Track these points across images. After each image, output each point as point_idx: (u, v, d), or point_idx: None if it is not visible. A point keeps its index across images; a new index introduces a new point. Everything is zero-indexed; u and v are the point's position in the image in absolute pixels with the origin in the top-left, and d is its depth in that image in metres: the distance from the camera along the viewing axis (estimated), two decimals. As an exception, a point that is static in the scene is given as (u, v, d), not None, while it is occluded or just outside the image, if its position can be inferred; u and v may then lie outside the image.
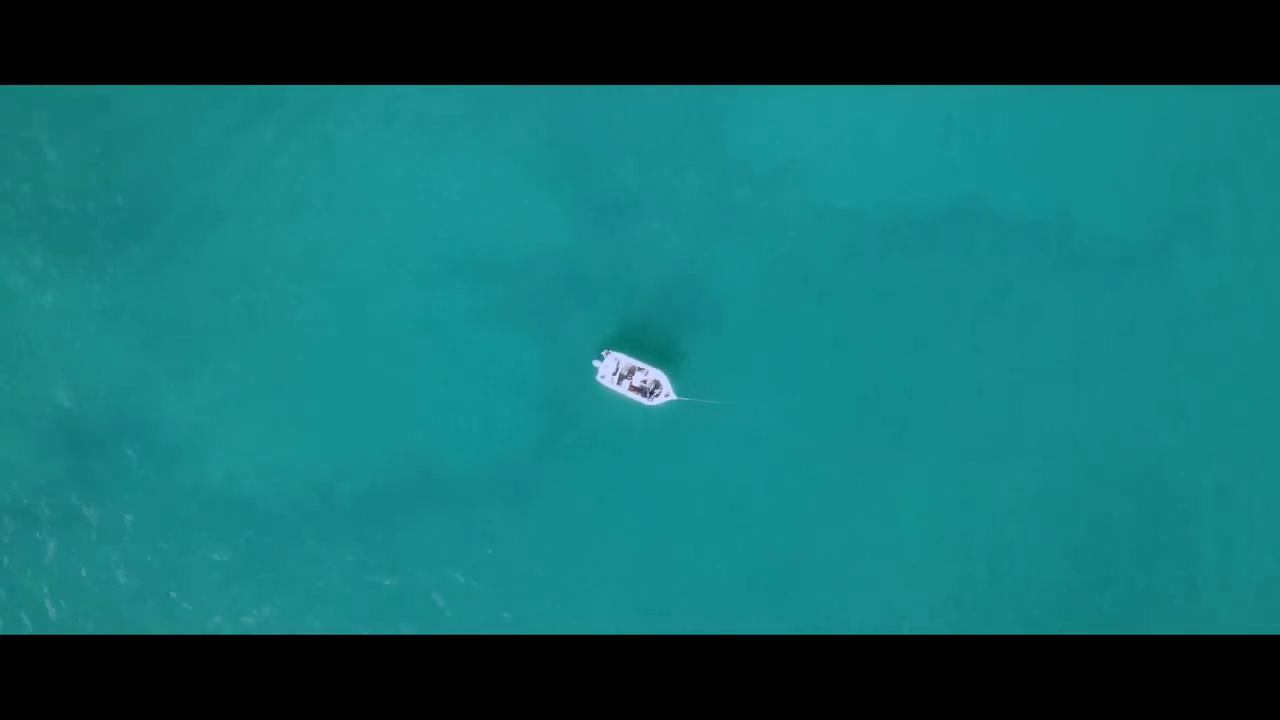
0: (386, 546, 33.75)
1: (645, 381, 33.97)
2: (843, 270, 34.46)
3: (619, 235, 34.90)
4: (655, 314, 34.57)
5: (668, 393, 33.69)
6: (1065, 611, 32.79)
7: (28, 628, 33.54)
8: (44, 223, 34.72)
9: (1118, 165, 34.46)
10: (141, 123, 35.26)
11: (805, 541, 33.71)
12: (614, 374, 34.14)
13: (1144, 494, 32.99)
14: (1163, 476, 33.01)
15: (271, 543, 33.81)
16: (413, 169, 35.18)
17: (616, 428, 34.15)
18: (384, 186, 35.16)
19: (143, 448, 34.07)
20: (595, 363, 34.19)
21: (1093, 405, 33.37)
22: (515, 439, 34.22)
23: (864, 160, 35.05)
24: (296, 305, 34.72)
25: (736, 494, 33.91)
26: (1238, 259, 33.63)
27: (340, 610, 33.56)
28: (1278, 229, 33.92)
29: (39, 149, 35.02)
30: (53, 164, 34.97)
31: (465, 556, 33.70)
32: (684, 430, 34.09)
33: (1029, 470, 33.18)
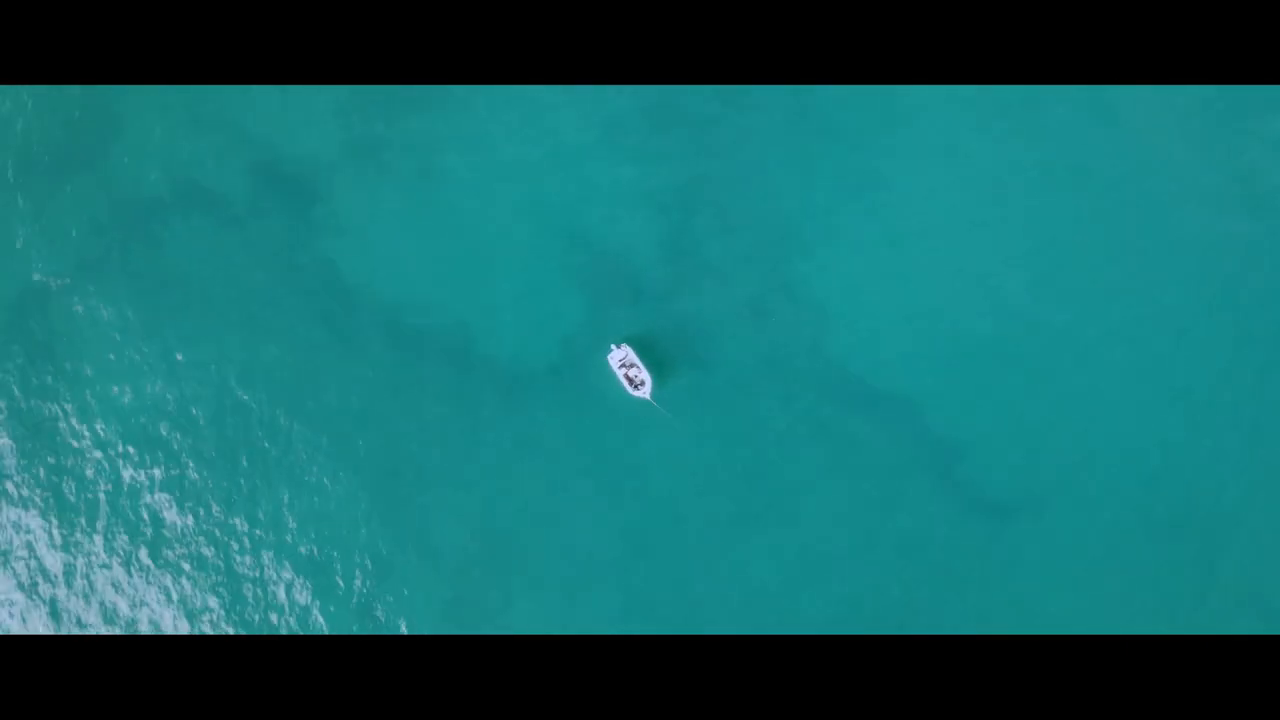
0: (408, 367, 42.98)
1: (636, 377, 42.17)
2: (813, 396, 42.05)
3: (685, 273, 43.81)
4: (672, 337, 42.99)
5: (646, 393, 41.80)
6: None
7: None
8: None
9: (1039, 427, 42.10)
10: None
11: (689, 544, 40.58)
12: (620, 361, 42.42)
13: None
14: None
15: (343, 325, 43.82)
16: (568, 157, 45.86)
17: (600, 395, 42.33)
18: (544, 163, 45.79)
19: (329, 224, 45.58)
20: (613, 345, 42.56)
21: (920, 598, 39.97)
22: (532, 360, 42.88)
23: (882, 346, 42.96)
24: (464, 198, 45.79)
25: (654, 486, 41.23)
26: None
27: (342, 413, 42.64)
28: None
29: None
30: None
31: (451, 426, 42.51)
32: (643, 424, 41.93)
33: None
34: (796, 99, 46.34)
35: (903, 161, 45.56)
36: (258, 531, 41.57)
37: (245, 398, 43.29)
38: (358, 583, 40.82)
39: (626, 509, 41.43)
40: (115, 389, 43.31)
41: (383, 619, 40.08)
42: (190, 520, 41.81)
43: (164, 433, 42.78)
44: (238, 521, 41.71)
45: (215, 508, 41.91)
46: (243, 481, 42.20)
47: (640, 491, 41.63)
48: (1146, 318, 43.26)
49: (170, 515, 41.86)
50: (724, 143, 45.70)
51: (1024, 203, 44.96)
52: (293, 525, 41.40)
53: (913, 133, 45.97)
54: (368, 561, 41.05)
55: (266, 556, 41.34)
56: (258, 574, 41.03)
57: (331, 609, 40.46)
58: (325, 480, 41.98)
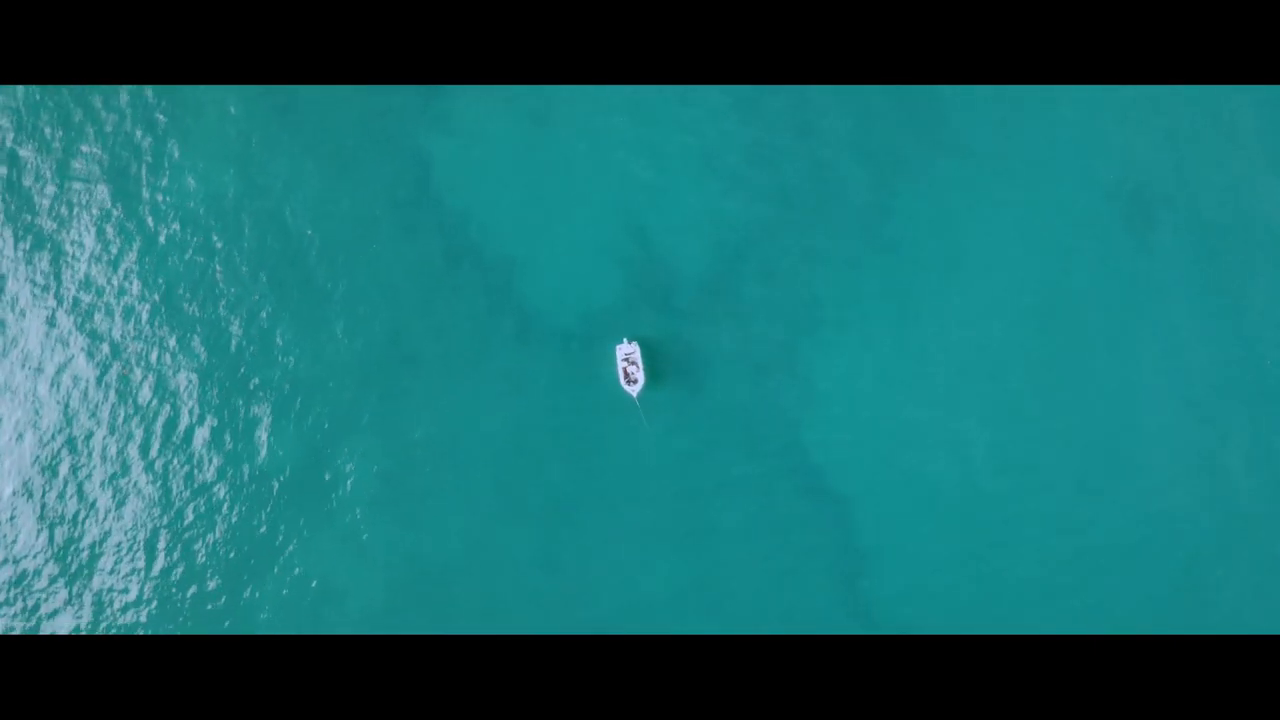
0: (447, 270, 45.21)
1: (633, 374, 44.12)
2: (772, 459, 44.03)
3: (714, 305, 45.90)
4: (678, 355, 45.10)
5: (635, 392, 43.81)
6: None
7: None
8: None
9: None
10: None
11: (603, 525, 42.69)
12: (624, 355, 44.33)
13: None
14: None
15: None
16: (664, 154, 47.85)
17: (595, 376, 44.37)
18: (640, 150, 47.85)
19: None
20: (625, 339, 44.68)
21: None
22: (552, 318, 44.98)
23: (847, 445, 44.81)
24: (562, 157, 47.88)
25: (600, 468, 43.22)
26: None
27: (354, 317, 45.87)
28: None
29: None
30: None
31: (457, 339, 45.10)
32: (619, 416, 44.00)
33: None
34: (879, 200, 48.94)
35: (940, 299, 47.98)
36: (245, 344, 43.87)
37: (295, 223, 45.67)
38: (308, 425, 42.88)
39: (566, 474, 43.58)
40: (192, 161, 46.13)
41: (325, 464, 42.28)
42: (194, 309, 44.16)
43: (208, 220, 45.39)
44: (234, 328, 44.03)
45: (220, 308, 44.26)
46: (255, 296, 44.60)
47: (586, 467, 43.66)
48: (1078, 531, 46.08)
49: (180, 296, 44.29)
50: (804, 203, 48.11)
51: (1020, 385, 47.45)
52: (279, 343, 43.69)
53: (963, 287, 49.13)
54: (325, 413, 43.19)
55: (242, 369, 43.55)
56: (223, 379, 43.18)
57: (275, 443, 42.53)
58: (323, 323, 44.27)
